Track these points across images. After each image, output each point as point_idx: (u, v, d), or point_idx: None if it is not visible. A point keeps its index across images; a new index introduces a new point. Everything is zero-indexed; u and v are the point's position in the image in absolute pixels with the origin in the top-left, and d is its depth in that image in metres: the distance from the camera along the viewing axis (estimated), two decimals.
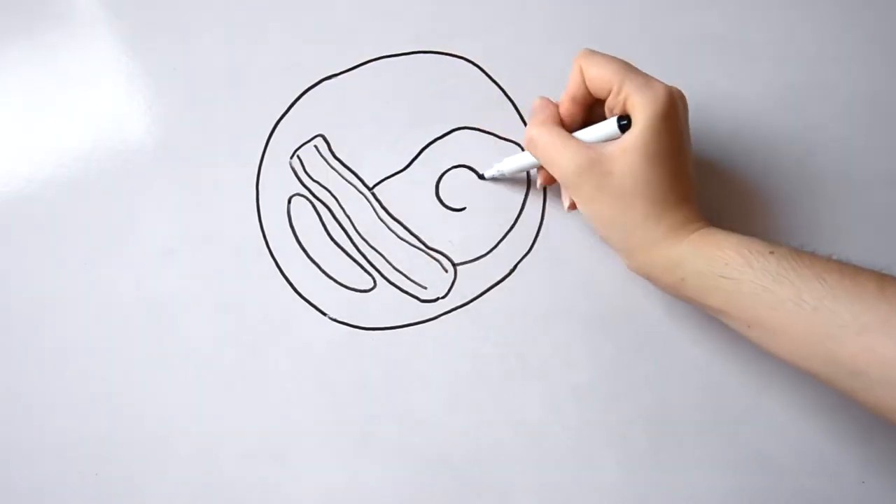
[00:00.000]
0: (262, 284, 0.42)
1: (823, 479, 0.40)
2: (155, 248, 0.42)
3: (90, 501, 0.40)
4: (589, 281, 0.42)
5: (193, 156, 0.44)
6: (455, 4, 0.46)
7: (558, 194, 0.44)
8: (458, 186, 0.44)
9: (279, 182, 0.43)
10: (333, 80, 0.45)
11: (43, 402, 0.41)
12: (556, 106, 0.39)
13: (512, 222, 0.43)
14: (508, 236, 0.43)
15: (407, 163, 0.44)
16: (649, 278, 0.39)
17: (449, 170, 0.44)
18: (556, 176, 0.38)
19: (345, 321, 0.42)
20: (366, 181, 0.44)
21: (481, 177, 0.44)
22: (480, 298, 0.42)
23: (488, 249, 0.43)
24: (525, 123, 0.44)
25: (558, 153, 0.37)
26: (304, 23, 0.45)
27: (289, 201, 0.43)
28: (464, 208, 0.43)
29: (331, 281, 0.42)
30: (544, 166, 0.39)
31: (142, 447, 0.40)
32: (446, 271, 0.43)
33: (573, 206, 0.40)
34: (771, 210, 0.44)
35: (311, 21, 0.46)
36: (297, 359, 0.41)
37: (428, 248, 0.43)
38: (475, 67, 0.45)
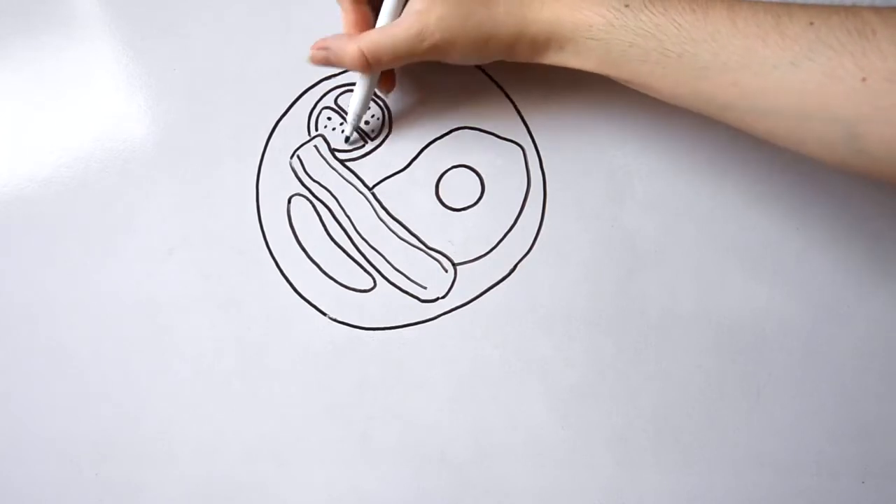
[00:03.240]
0: (262, 284, 0.42)
1: (823, 479, 0.40)
2: (155, 248, 0.42)
3: (90, 501, 0.40)
4: (589, 281, 0.42)
5: (193, 156, 0.44)
6: None
7: (558, 194, 0.44)
8: (458, 186, 0.44)
9: (279, 182, 0.43)
10: (333, 80, 0.45)
11: (43, 402, 0.41)
12: (345, 32, 0.40)
13: (512, 222, 0.43)
14: (508, 236, 0.43)
15: (407, 163, 0.44)
16: (537, 59, 0.39)
17: (449, 170, 0.44)
18: (407, 49, 0.38)
19: (345, 321, 0.42)
20: (366, 181, 0.44)
21: (347, 139, 0.43)
22: (480, 298, 0.42)
23: (488, 249, 0.43)
24: (525, 124, 0.44)
25: (391, 37, 0.38)
26: (304, 23, 0.45)
27: (289, 201, 0.43)
28: (464, 208, 0.43)
29: (331, 281, 0.42)
30: (394, 60, 0.39)
31: (142, 447, 0.40)
32: (446, 271, 0.43)
33: (389, 84, 0.42)
34: None
35: (311, 21, 0.45)
36: (297, 359, 0.41)
37: (428, 248, 0.43)
38: (475, 67, 0.45)
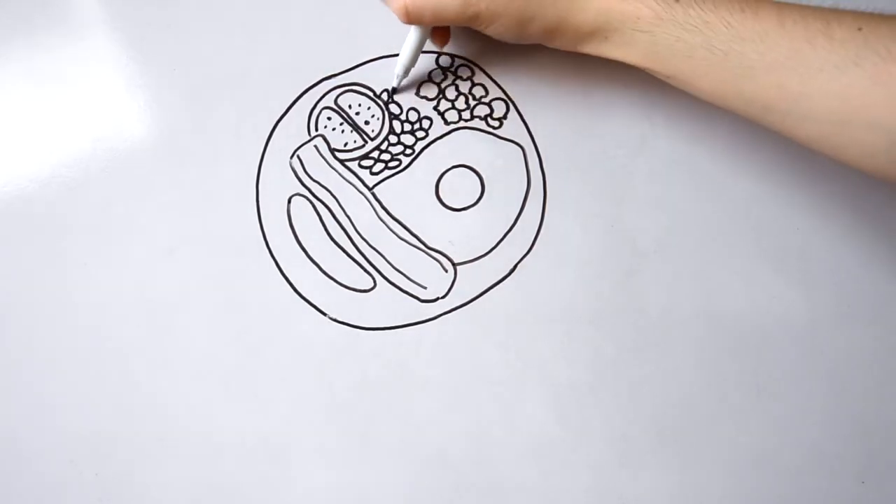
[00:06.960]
0: (262, 284, 0.42)
1: (823, 479, 0.40)
2: (155, 248, 0.42)
3: (90, 501, 0.40)
4: (589, 281, 0.42)
5: (193, 156, 0.44)
6: None
7: (558, 194, 0.44)
8: (458, 186, 0.44)
9: (279, 182, 0.43)
10: (333, 80, 0.45)
11: (43, 402, 0.40)
12: None
13: (512, 222, 0.43)
14: (508, 236, 0.43)
15: (407, 163, 0.44)
16: (578, 48, 0.39)
17: (449, 170, 0.44)
18: (451, 14, 0.38)
19: (345, 321, 0.42)
20: (366, 181, 0.44)
21: (393, 91, 0.44)
22: (480, 298, 0.42)
23: (488, 249, 0.43)
24: (525, 124, 0.44)
25: None
26: (304, 23, 0.45)
27: (289, 201, 0.43)
28: (464, 208, 0.43)
29: (331, 281, 0.42)
30: (435, 20, 0.39)
31: (142, 447, 0.40)
32: (446, 271, 0.43)
33: (443, 39, 0.42)
34: None
35: (311, 21, 0.46)
36: (297, 359, 0.41)
37: (428, 248, 0.43)
38: (475, 67, 0.45)
